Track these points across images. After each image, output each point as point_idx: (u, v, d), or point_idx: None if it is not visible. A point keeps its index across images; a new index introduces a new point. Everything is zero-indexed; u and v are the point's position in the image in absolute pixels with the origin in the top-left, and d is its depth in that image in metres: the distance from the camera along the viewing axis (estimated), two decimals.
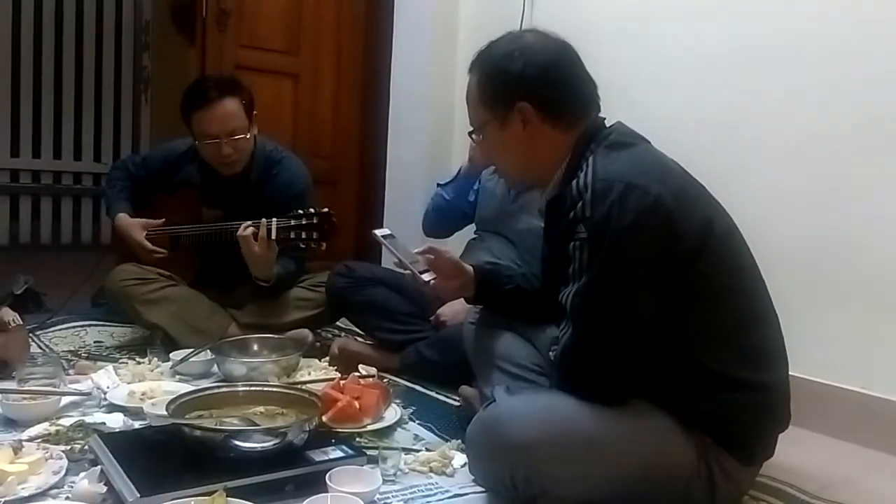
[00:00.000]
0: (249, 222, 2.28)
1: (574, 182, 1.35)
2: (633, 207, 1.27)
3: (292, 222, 2.25)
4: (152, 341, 2.41)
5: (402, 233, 2.75)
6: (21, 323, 2.23)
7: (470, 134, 1.57)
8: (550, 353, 1.39)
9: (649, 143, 1.49)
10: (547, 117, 1.45)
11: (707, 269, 1.32)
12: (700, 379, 1.33)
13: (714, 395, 1.33)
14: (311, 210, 2.26)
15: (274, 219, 2.26)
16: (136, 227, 2.51)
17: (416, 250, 1.71)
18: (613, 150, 1.40)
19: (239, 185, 2.54)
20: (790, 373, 1.44)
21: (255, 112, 2.50)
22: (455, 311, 2.21)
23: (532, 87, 1.44)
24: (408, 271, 1.67)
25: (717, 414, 1.34)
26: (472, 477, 1.48)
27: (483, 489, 1.45)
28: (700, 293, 1.33)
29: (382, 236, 1.72)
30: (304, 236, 2.25)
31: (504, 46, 1.49)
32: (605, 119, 1.51)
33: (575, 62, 1.49)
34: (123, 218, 2.55)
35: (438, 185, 2.57)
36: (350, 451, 1.47)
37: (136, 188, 2.65)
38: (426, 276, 1.65)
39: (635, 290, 1.30)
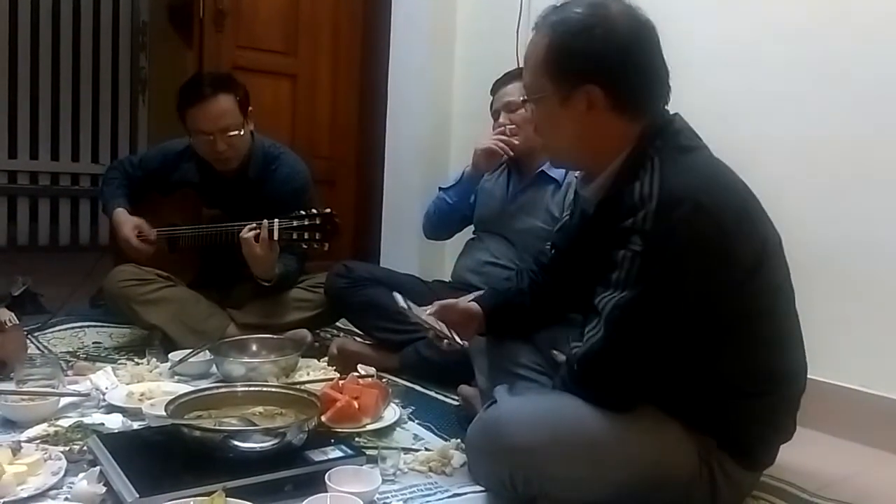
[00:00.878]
0: (252, 224, 2.27)
1: (637, 186, 1.26)
2: (698, 230, 1.21)
3: (294, 223, 2.25)
4: (151, 342, 2.40)
5: (400, 233, 2.77)
6: (18, 322, 2.23)
7: (523, 101, 1.46)
8: (572, 349, 1.35)
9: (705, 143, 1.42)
10: (616, 105, 1.33)
11: (753, 292, 1.29)
12: (714, 388, 1.33)
13: (724, 403, 1.33)
14: (314, 211, 2.26)
15: (276, 220, 2.25)
16: (128, 224, 2.51)
17: (427, 313, 1.67)
18: (681, 154, 1.31)
19: (238, 182, 2.54)
20: None
21: (250, 108, 2.50)
22: None
23: (607, 71, 1.32)
24: (446, 340, 1.64)
25: (725, 419, 1.33)
26: (472, 477, 1.48)
27: (482, 489, 1.45)
28: (740, 313, 1.30)
29: (408, 309, 1.68)
30: (306, 237, 2.25)
31: (585, 16, 1.32)
32: (668, 111, 1.40)
33: (657, 48, 1.36)
34: (121, 213, 2.54)
35: (440, 189, 2.57)
36: (349, 451, 1.47)
37: (134, 188, 2.65)
38: (461, 340, 1.64)
39: (680, 312, 1.26)
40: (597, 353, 1.30)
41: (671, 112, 1.41)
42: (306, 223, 2.24)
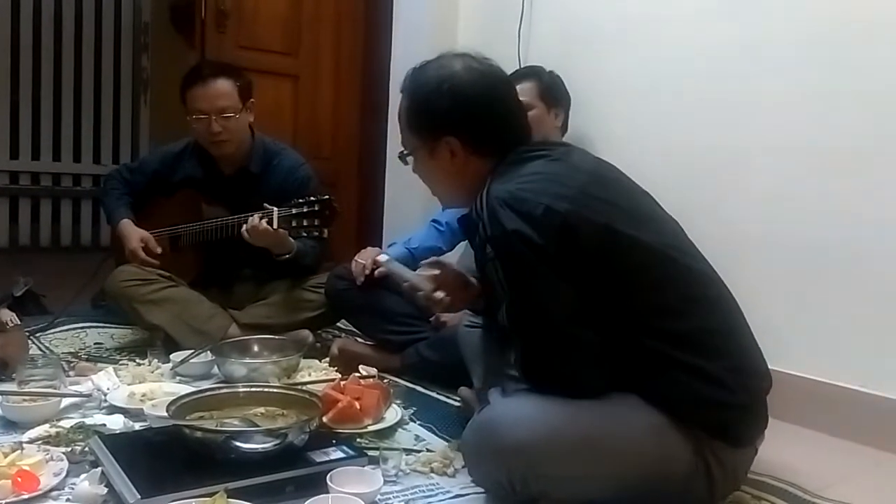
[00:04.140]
0: (253, 214, 2.29)
1: (473, 205, 1.42)
2: (524, 218, 1.31)
3: (293, 211, 2.26)
4: (152, 343, 2.41)
5: (401, 234, 2.77)
6: (19, 323, 2.23)
7: (400, 155, 1.61)
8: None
9: (566, 148, 1.53)
10: (474, 149, 1.50)
11: (621, 265, 1.34)
12: (668, 369, 1.33)
13: (686, 384, 1.33)
14: (312, 198, 2.27)
15: (275, 209, 2.26)
16: (134, 237, 2.51)
17: (423, 262, 1.72)
18: (510, 168, 1.44)
19: (240, 177, 2.56)
20: (793, 372, 1.44)
21: (252, 100, 2.54)
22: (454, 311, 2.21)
23: (458, 123, 1.49)
24: (420, 292, 1.66)
25: (695, 402, 1.33)
26: (471, 479, 1.48)
27: (484, 490, 1.45)
28: (622, 286, 1.35)
29: (385, 262, 1.76)
30: (305, 224, 2.26)
31: (433, 77, 1.51)
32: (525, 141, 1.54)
33: (504, 96, 1.53)
34: (126, 224, 2.55)
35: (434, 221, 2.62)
36: (351, 452, 1.47)
37: (136, 194, 2.66)
38: (438, 295, 1.65)
39: (552, 289, 1.33)
40: (524, 363, 1.39)
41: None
42: (305, 210, 2.26)
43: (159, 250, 2.50)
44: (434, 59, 1.56)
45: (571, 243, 1.31)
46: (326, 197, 2.28)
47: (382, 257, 1.78)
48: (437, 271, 1.68)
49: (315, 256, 2.53)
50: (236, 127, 2.50)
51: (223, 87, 2.47)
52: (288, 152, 2.65)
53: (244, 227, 2.29)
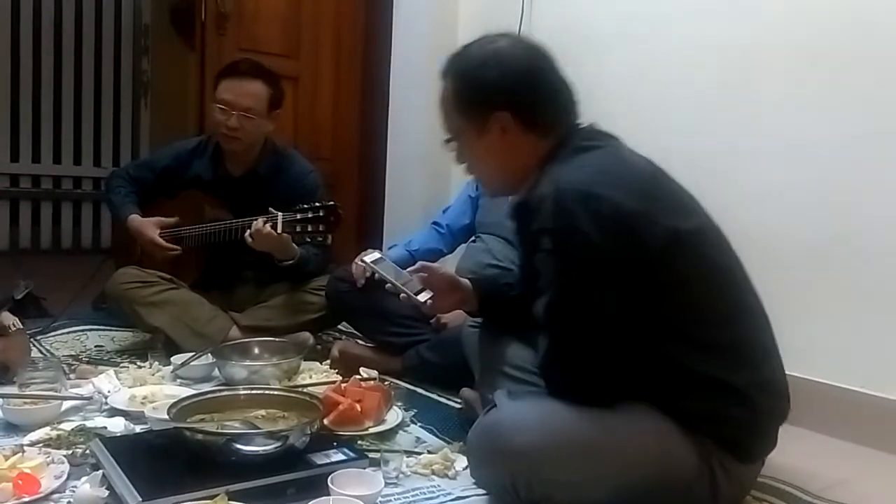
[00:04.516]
0: (257, 218, 2.29)
1: (537, 191, 1.36)
2: (592, 216, 1.27)
3: (298, 216, 2.27)
4: (153, 345, 2.40)
5: (402, 235, 2.77)
6: (21, 327, 2.23)
7: (446, 142, 1.56)
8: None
9: (617, 141, 1.48)
10: (526, 124, 1.45)
11: (677, 272, 1.32)
12: (689, 381, 1.33)
13: (705, 398, 1.32)
14: (317, 203, 2.27)
15: (279, 213, 2.27)
16: (148, 225, 2.52)
17: (409, 269, 1.71)
18: (574, 154, 1.39)
19: (249, 180, 2.57)
20: (793, 373, 1.44)
21: (278, 111, 2.56)
22: (456, 313, 2.21)
23: (509, 95, 1.44)
24: (403, 294, 1.65)
25: (712, 417, 1.33)
26: (474, 481, 1.48)
27: (485, 492, 1.44)
28: (672, 294, 1.32)
29: (372, 262, 1.71)
30: (309, 229, 2.26)
31: (478, 53, 1.47)
32: (580, 124, 1.50)
33: (551, 67, 1.48)
34: (136, 218, 2.55)
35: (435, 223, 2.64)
36: (352, 454, 1.47)
37: (142, 191, 2.65)
38: (422, 297, 1.64)
39: (603, 297, 1.29)
40: (550, 360, 1.35)
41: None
42: (310, 215, 2.26)
43: (175, 232, 2.50)
44: (474, 41, 1.51)
45: (634, 245, 1.28)
46: (331, 203, 2.28)
47: (368, 257, 1.74)
48: (424, 274, 1.67)
49: (318, 263, 2.54)
50: (253, 129, 2.51)
51: (255, 88, 2.49)
52: (298, 158, 2.67)
53: (248, 231, 2.29)
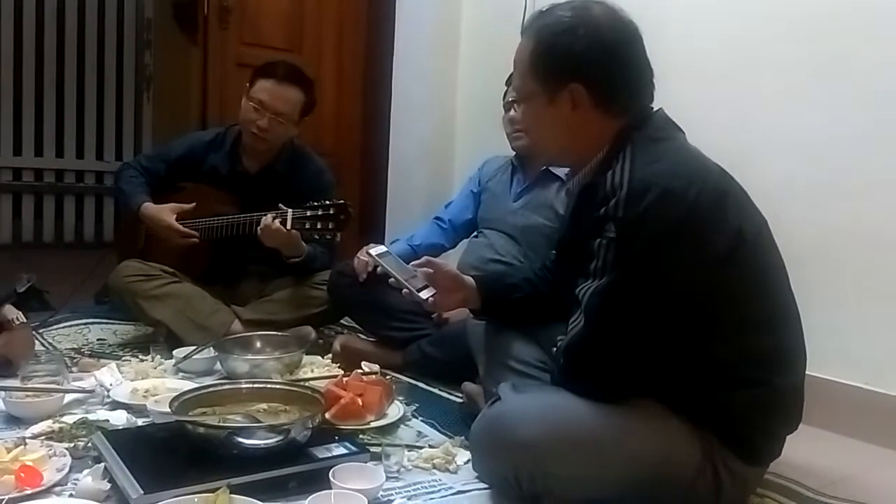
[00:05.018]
0: (267, 213, 2.30)
1: (609, 175, 1.30)
2: (668, 215, 1.24)
3: (308, 213, 2.27)
4: (155, 338, 2.41)
5: (405, 230, 2.77)
6: (25, 321, 2.23)
7: (512, 102, 1.50)
8: (558, 340, 1.36)
9: (684, 134, 1.44)
10: (598, 102, 1.38)
11: (733, 274, 1.30)
12: (711, 378, 1.32)
13: (723, 395, 1.32)
14: (327, 201, 2.27)
15: (289, 209, 2.27)
16: (165, 210, 2.49)
17: (412, 264, 1.70)
18: (653, 144, 1.34)
19: (265, 176, 2.57)
20: None
21: (306, 118, 2.57)
22: (458, 309, 2.21)
23: (590, 70, 1.36)
24: (405, 290, 1.64)
25: (726, 413, 1.33)
26: (476, 474, 1.48)
27: (487, 486, 1.45)
28: (723, 297, 1.30)
29: (377, 255, 1.70)
30: (319, 227, 2.27)
31: (568, 18, 1.37)
32: (652, 108, 1.44)
33: (639, 47, 1.41)
34: (150, 206, 2.53)
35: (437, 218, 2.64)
36: (353, 448, 1.47)
37: (154, 182, 2.64)
38: (424, 294, 1.63)
39: (658, 297, 1.27)
40: (579, 344, 1.32)
41: (657, 108, 1.45)
42: (319, 213, 2.26)
43: (192, 211, 2.49)
44: (565, 3, 1.41)
45: (701, 246, 1.26)
46: (342, 201, 2.29)
47: (373, 250, 1.72)
48: (429, 270, 1.66)
49: (324, 261, 2.54)
50: (281, 132, 2.52)
51: (293, 95, 2.49)
52: (314, 156, 2.68)
53: (263, 220, 2.30)
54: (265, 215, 2.30)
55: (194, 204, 2.51)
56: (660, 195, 1.24)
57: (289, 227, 2.26)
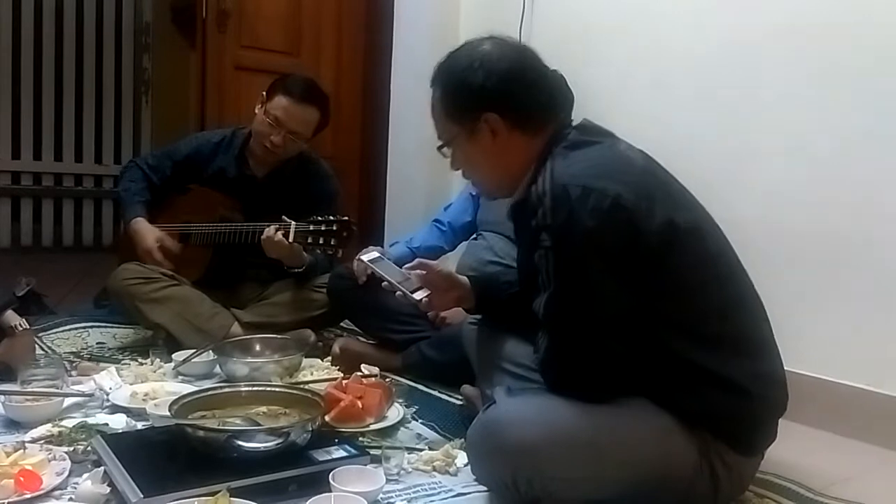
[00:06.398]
0: (273, 226, 2.30)
1: (533, 188, 1.35)
2: (592, 211, 1.27)
3: (311, 227, 2.27)
4: (154, 342, 2.41)
5: (403, 232, 2.78)
6: (28, 327, 2.21)
7: (439, 149, 1.56)
8: (535, 357, 1.40)
9: (613, 136, 1.48)
10: (515, 124, 1.46)
11: (674, 265, 1.32)
12: (688, 375, 1.33)
13: (705, 391, 1.32)
14: (332, 217, 2.27)
15: (293, 222, 2.27)
16: (150, 236, 2.49)
17: (406, 266, 1.71)
18: (571, 150, 1.40)
19: (271, 180, 2.57)
20: (795, 370, 1.44)
21: (317, 135, 2.58)
22: (456, 310, 2.20)
23: (496, 96, 1.45)
24: (399, 292, 1.66)
25: (711, 410, 1.33)
26: (475, 477, 1.48)
27: (486, 489, 1.44)
28: (668, 288, 1.32)
29: (370, 261, 1.72)
30: (321, 242, 2.27)
31: (463, 58, 1.49)
32: (572, 120, 1.51)
33: (536, 66, 1.49)
34: (140, 221, 2.53)
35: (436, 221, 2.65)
36: (353, 451, 1.47)
37: (159, 182, 2.64)
38: (417, 295, 1.64)
39: (603, 293, 1.29)
40: (549, 356, 1.35)
41: (581, 119, 1.51)
42: (323, 228, 2.26)
43: (176, 251, 2.50)
44: (459, 47, 1.53)
45: (632, 239, 1.28)
46: (346, 218, 2.28)
47: (366, 256, 1.74)
48: (422, 272, 1.67)
49: (324, 266, 2.55)
50: (293, 149, 2.53)
51: (310, 116, 2.49)
52: (320, 163, 2.68)
53: (265, 231, 2.30)
54: (268, 226, 2.31)
55: (180, 246, 2.50)
56: (580, 195, 1.28)
57: (291, 239, 2.27)
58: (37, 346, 2.27)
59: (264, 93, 2.51)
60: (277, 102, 2.46)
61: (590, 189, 1.28)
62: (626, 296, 1.30)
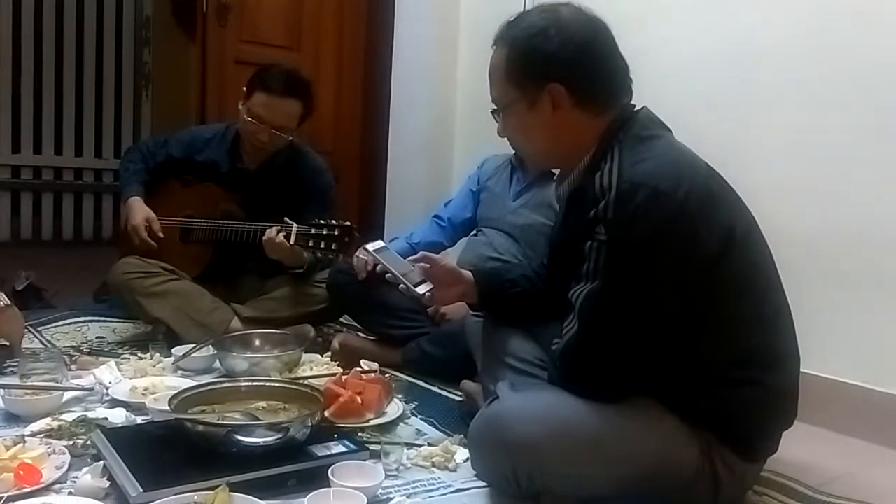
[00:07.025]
0: (273, 226, 2.30)
1: (598, 177, 1.30)
2: (658, 216, 1.23)
3: (312, 231, 2.26)
4: (154, 336, 2.41)
5: (403, 228, 2.77)
6: (9, 302, 2.16)
7: (493, 113, 1.49)
8: (553, 345, 1.37)
9: (671, 132, 1.44)
10: (579, 101, 1.38)
11: (724, 273, 1.30)
12: (705, 377, 1.33)
13: (718, 393, 1.33)
14: (334, 221, 2.27)
15: (294, 224, 2.27)
16: (140, 214, 2.50)
17: (410, 258, 1.70)
18: (640, 143, 1.34)
19: (263, 173, 2.57)
20: None
21: (304, 124, 2.56)
22: (456, 306, 2.20)
23: (567, 68, 1.36)
24: (402, 285, 1.64)
25: (721, 412, 1.33)
26: (475, 472, 1.48)
27: (486, 484, 1.45)
28: (714, 295, 1.30)
29: (375, 251, 1.70)
30: (322, 246, 2.26)
31: (538, 21, 1.39)
32: (634, 105, 1.44)
33: (612, 43, 1.41)
34: (136, 201, 2.54)
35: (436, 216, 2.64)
36: (352, 446, 1.47)
37: (154, 169, 2.64)
38: (421, 289, 1.63)
39: (651, 298, 1.27)
40: (574, 347, 1.31)
41: (641, 106, 1.45)
42: (324, 233, 2.25)
43: (161, 235, 2.49)
44: (533, 9, 1.44)
45: (691, 247, 1.26)
46: (348, 223, 2.27)
47: (371, 246, 1.71)
48: (426, 265, 1.66)
49: (325, 266, 2.54)
50: (280, 143, 2.52)
51: (292, 108, 2.46)
52: (313, 155, 2.67)
53: (266, 233, 2.30)
54: (270, 227, 2.30)
55: (162, 236, 2.49)
56: (649, 196, 1.24)
57: (292, 242, 2.26)
58: (33, 338, 2.26)
59: (245, 88, 2.50)
60: (257, 99, 2.44)
61: (658, 192, 1.24)
62: (670, 303, 1.28)
